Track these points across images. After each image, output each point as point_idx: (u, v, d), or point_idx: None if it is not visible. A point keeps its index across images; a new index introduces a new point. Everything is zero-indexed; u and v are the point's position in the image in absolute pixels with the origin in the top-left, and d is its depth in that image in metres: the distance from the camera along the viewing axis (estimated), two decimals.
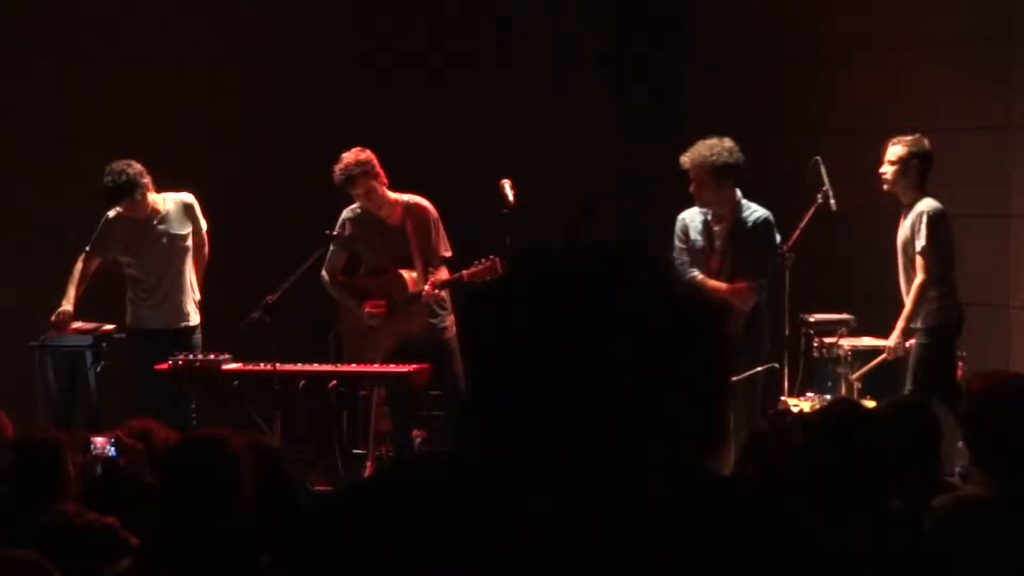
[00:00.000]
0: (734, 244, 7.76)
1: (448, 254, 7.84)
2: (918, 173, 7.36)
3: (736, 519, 1.88)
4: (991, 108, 8.53)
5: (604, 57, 10.23)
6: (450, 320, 7.91)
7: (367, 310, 7.85)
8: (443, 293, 7.78)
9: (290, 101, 9.58)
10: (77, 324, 7.80)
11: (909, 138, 7.39)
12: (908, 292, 7.46)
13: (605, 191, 9.94)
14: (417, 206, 7.89)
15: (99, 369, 7.69)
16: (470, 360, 1.89)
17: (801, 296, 8.39)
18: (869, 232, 9.21)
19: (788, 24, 9.62)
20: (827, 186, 8.23)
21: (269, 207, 9.33)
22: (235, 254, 8.36)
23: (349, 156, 7.71)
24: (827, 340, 8.17)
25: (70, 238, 8.67)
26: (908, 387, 7.36)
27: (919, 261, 7.30)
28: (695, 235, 7.75)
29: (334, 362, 7.90)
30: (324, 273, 7.94)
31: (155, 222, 7.75)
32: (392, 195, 7.88)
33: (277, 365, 7.25)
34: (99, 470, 4.64)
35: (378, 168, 7.75)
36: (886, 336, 8.28)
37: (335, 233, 7.78)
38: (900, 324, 7.33)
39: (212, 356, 7.47)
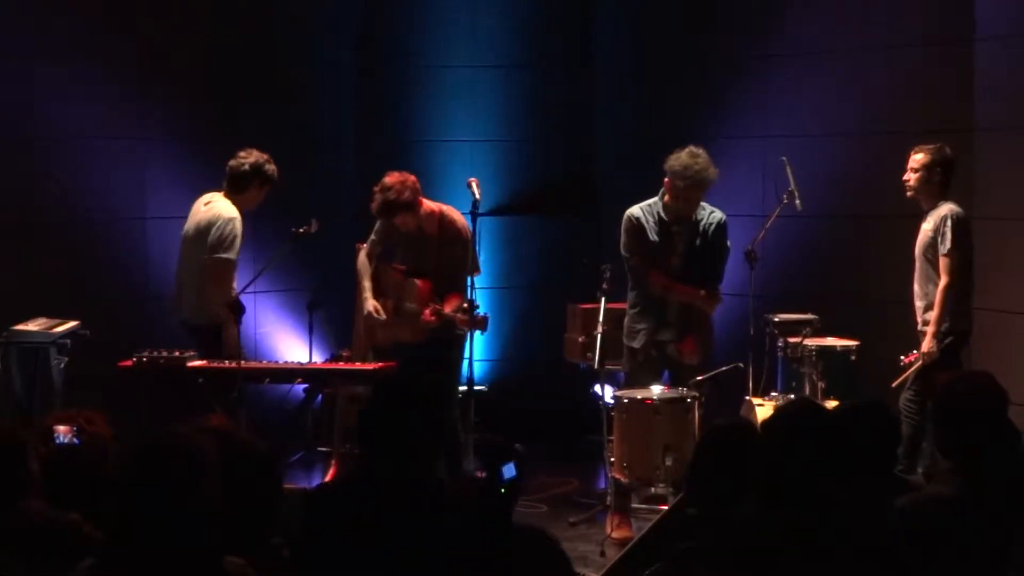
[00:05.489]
0: (693, 245, 7.75)
1: (476, 273, 7.65)
2: (941, 180, 7.46)
3: None
4: (955, 111, 8.57)
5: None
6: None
7: (369, 309, 7.80)
8: (437, 321, 7.65)
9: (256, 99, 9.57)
10: (40, 320, 7.74)
11: (932, 146, 7.49)
12: (921, 295, 7.48)
13: None
14: (451, 222, 7.76)
15: (62, 365, 7.63)
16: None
17: (765, 295, 8.43)
18: (833, 232, 9.26)
19: (748, 26, 9.64)
20: (792, 186, 8.28)
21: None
22: None
23: (391, 192, 7.55)
24: (791, 340, 8.20)
25: (35, 235, 8.63)
26: (907, 389, 7.38)
27: (944, 263, 7.33)
28: (652, 235, 7.73)
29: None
30: (361, 251, 7.93)
31: None
32: (429, 204, 7.72)
33: (242, 362, 7.23)
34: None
35: (417, 197, 7.60)
36: (850, 337, 8.32)
37: (301, 231, 7.68)
38: (932, 328, 7.32)
39: (177, 353, 7.42)
